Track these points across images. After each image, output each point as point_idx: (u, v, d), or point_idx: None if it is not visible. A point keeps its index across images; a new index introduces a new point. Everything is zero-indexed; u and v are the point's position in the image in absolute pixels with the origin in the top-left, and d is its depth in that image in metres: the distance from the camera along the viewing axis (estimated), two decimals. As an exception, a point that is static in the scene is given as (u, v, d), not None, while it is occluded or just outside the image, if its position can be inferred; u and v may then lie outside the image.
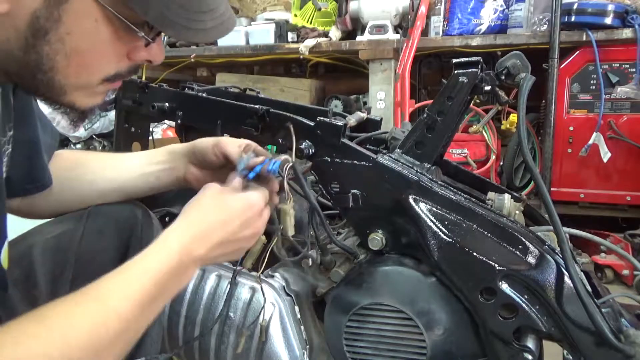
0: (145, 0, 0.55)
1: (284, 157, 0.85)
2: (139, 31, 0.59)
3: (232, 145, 0.88)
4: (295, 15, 2.86)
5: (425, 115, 0.95)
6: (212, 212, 0.72)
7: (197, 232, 0.69)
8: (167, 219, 1.25)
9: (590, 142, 2.24)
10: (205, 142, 0.91)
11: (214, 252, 0.71)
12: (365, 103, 2.74)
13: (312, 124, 0.97)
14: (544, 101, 2.34)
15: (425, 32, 2.46)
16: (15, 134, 0.74)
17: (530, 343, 0.86)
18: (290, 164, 0.84)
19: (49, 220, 0.91)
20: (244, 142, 0.90)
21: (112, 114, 1.49)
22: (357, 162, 0.94)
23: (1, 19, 0.53)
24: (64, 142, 2.89)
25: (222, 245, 0.72)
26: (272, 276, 1.06)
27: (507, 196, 0.99)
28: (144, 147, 1.42)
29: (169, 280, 0.65)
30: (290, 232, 0.87)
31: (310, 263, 1.04)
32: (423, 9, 2.30)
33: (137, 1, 0.55)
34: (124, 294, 0.59)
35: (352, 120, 1.07)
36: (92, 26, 0.56)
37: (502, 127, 2.43)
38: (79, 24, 0.56)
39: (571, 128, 2.31)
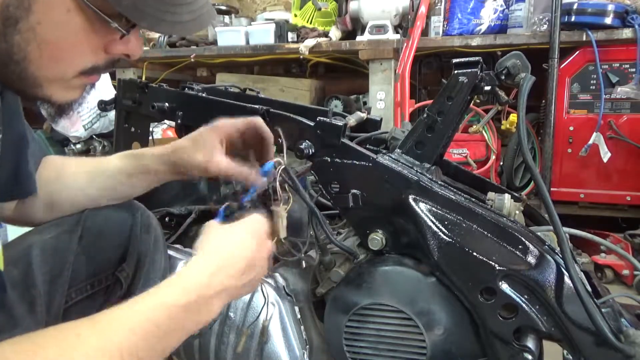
0: None
1: (275, 159, 0.84)
2: (112, 22, 0.58)
3: (218, 166, 0.83)
4: (295, 15, 2.86)
5: (425, 115, 0.95)
6: (227, 241, 0.68)
7: (217, 265, 0.64)
8: (166, 219, 1.25)
9: (590, 142, 2.23)
10: (188, 170, 0.85)
11: (242, 280, 0.66)
12: (365, 103, 2.74)
13: (312, 124, 0.97)
14: (544, 101, 2.34)
15: (425, 32, 2.45)
16: (3, 137, 0.73)
17: (530, 343, 0.86)
18: (283, 166, 0.84)
19: (48, 221, 0.90)
20: (240, 123, 0.87)
21: (112, 114, 1.49)
22: (357, 162, 0.94)
23: None
24: (64, 142, 2.89)
25: (247, 273, 0.67)
26: (272, 276, 1.06)
27: (507, 196, 0.99)
28: (144, 147, 1.42)
29: (185, 315, 0.59)
30: (282, 234, 0.86)
31: (304, 265, 1.04)
32: (423, 9, 2.30)
33: None
34: (131, 327, 0.54)
35: (352, 120, 1.07)
36: (63, 16, 0.55)
37: (502, 127, 2.43)
38: (49, 13, 0.55)
39: (571, 128, 2.31)
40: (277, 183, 0.83)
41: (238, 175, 0.85)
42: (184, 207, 1.27)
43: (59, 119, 0.68)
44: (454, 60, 0.94)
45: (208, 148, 0.84)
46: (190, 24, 0.61)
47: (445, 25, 2.49)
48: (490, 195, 1.00)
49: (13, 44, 0.55)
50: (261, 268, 0.72)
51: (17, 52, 0.56)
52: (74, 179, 0.90)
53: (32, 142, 0.84)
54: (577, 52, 2.27)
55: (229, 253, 0.67)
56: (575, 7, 2.18)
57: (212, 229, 0.72)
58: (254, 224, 0.73)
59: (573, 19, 2.18)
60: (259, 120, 0.89)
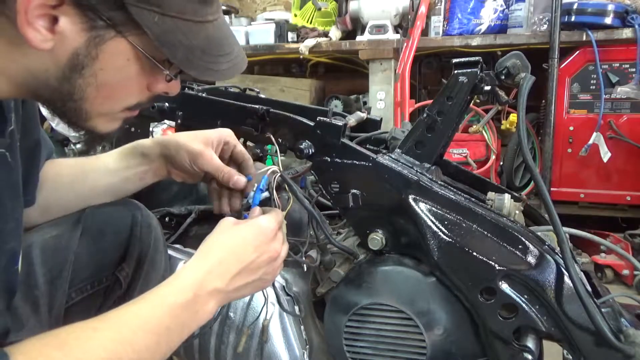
0: (174, 45, 0.61)
1: (272, 169, 0.85)
2: (164, 69, 0.65)
3: (211, 160, 0.88)
4: (295, 15, 2.86)
5: (425, 115, 0.95)
6: (224, 244, 0.73)
7: (210, 266, 0.69)
8: (166, 218, 1.25)
9: (590, 142, 2.24)
10: (178, 155, 0.90)
11: (235, 283, 0.71)
12: (365, 103, 2.74)
13: (312, 124, 0.97)
14: (544, 101, 2.34)
15: (425, 32, 2.46)
16: (21, 146, 0.74)
17: (530, 343, 0.86)
18: (279, 174, 0.84)
19: (48, 221, 0.90)
20: (221, 136, 0.91)
21: (112, 114, 1.48)
22: (357, 162, 0.94)
23: (45, 53, 0.58)
24: (64, 142, 2.89)
25: (241, 276, 0.72)
26: (272, 276, 1.06)
27: (507, 196, 0.99)
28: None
29: (184, 314, 0.65)
30: None
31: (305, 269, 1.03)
32: (423, 9, 2.30)
33: (167, 46, 0.61)
34: (138, 324, 0.61)
35: (352, 120, 1.07)
36: (123, 64, 0.62)
37: (502, 127, 2.44)
38: (112, 61, 0.62)
39: (571, 128, 2.31)
40: (274, 193, 0.83)
41: (226, 175, 0.88)
42: (184, 207, 1.27)
43: (96, 145, 0.73)
44: (454, 60, 0.94)
45: (203, 141, 0.90)
46: (228, 71, 0.68)
47: (445, 25, 2.49)
48: (490, 195, 1.00)
49: (75, 85, 0.62)
50: (265, 273, 0.75)
51: (77, 92, 0.63)
52: (66, 180, 0.91)
53: (43, 146, 0.85)
54: (577, 52, 2.27)
55: (225, 255, 0.71)
56: (575, 7, 2.18)
57: (221, 226, 0.76)
58: (260, 226, 0.75)
59: (573, 18, 2.19)
60: (229, 136, 0.94)
